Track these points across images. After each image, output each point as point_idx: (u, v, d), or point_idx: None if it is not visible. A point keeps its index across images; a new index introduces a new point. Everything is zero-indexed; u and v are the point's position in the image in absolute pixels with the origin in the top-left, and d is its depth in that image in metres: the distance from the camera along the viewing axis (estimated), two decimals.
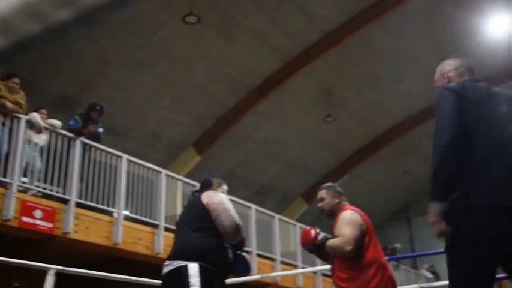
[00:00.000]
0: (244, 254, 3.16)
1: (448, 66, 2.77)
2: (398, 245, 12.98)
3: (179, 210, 8.79)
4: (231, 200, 10.09)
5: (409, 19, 10.51)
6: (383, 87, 12.39)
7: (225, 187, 3.38)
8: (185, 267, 2.77)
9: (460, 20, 10.66)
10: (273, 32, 10.17)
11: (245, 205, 9.91)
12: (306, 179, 14.37)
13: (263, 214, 10.53)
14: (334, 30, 10.36)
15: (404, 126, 12.79)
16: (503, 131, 2.40)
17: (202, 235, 2.89)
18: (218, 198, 3.05)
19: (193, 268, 2.75)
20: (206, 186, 3.33)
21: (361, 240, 3.21)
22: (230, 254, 3.05)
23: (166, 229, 8.04)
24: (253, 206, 10.03)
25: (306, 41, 10.52)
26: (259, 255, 9.79)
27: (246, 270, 3.16)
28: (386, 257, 5.99)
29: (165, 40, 9.52)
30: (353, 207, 3.37)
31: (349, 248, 3.16)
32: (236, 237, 2.98)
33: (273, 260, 10.21)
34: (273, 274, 8.68)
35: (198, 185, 9.63)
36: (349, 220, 3.23)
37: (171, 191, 8.57)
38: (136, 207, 7.65)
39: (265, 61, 10.75)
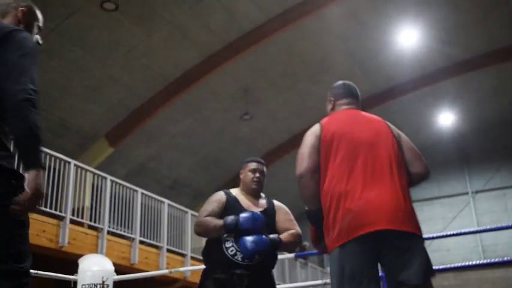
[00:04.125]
0: (245, 238, 2.98)
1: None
2: (306, 243, 13.30)
3: (88, 202, 8.47)
4: (142, 194, 9.82)
5: (327, 24, 10.85)
6: (300, 89, 12.68)
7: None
8: None
9: (374, 30, 11.17)
10: (194, 27, 10.07)
11: (158, 199, 9.76)
12: (220, 176, 14.40)
13: (176, 209, 10.43)
14: (254, 29, 10.45)
15: None
16: None
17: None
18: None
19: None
20: None
21: None
22: (229, 243, 3.04)
23: (73, 222, 7.74)
24: (166, 201, 9.90)
25: (226, 37, 10.52)
26: (169, 251, 9.68)
27: (246, 253, 2.98)
28: (294, 254, 6.09)
29: (80, 25, 9.11)
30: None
31: None
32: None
33: (183, 255, 10.14)
34: (182, 269, 8.63)
35: (109, 177, 9.38)
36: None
37: (79, 183, 8.26)
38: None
39: (184, 55, 10.62)
